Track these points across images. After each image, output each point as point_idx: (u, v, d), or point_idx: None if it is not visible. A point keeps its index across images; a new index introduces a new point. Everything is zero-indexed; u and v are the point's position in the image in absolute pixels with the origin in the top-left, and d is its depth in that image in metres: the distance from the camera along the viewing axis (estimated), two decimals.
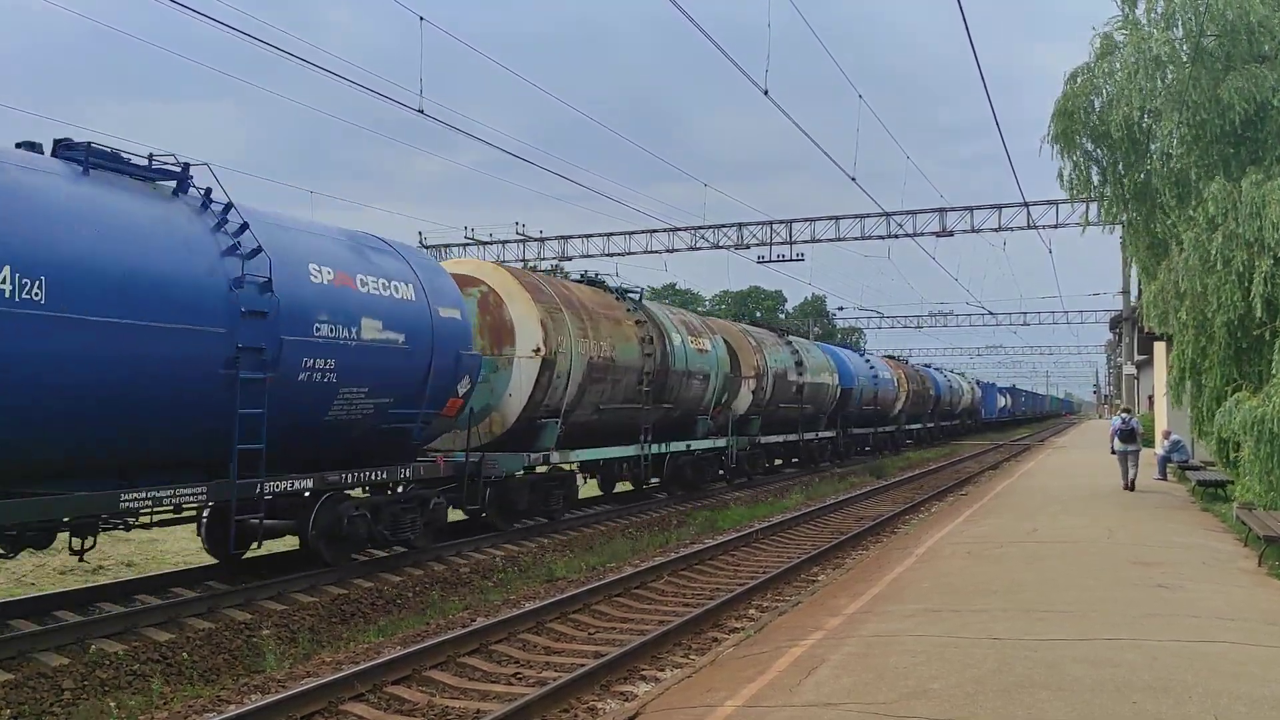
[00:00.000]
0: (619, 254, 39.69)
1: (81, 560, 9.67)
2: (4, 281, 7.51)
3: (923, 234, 34.90)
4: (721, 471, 23.31)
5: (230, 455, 9.61)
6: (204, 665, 8.65)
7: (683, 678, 7.21)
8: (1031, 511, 15.92)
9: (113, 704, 7.43)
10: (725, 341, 23.08)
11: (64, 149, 9.06)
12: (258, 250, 9.73)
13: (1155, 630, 7.48)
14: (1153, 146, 15.75)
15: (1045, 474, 25.24)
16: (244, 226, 9.81)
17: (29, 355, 7.74)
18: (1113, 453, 19.78)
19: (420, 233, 56.40)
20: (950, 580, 9.89)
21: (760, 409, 24.84)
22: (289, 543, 12.39)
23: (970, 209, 34.48)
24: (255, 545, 10.65)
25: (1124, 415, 20.28)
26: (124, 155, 9.38)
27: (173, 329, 8.86)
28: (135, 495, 8.95)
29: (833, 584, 10.82)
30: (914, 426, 45.79)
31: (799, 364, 27.67)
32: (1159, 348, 23.82)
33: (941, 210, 34.59)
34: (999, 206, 33.93)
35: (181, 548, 14.28)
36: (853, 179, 24.97)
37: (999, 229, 34.08)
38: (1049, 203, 32.56)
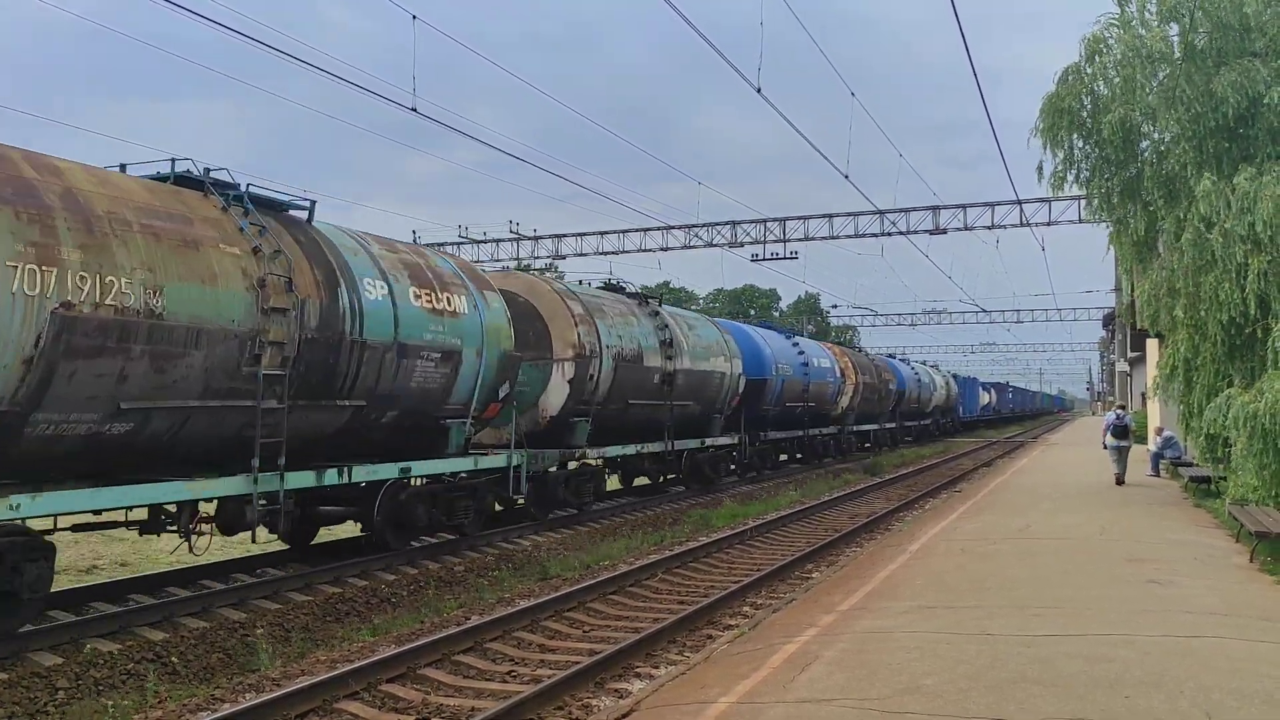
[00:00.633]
0: (613, 252, 39.72)
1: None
2: None
3: (916, 232, 34.92)
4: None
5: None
6: (199, 664, 8.65)
7: (677, 675, 7.22)
8: (1024, 508, 15.98)
9: (107, 703, 7.42)
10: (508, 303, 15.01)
11: None
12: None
13: (1148, 626, 7.51)
14: (1143, 145, 15.76)
15: (1038, 470, 25.30)
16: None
17: None
18: (1105, 448, 19.86)
19: (414, 231, 56.47)
20: (943, 577, 9.92)
21: (591, 406, 17.14)
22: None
23: (964, 206, 34.46)
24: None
25: (1119, 411, 20.35)
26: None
27: None
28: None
29: (827, 581, 10.84)
30: (868, 428, 37.31)
31: (666, 343, 19.60)
32: (1152, 344, 23.87)
33: (935, 208, 34.57)
34: (992, 204, 33.91)
35: (176, 546, 14.18)
36: (846, 176, 25.03)
37: (992, 226, 34.02)
38: (1042, 200, 32.53)
